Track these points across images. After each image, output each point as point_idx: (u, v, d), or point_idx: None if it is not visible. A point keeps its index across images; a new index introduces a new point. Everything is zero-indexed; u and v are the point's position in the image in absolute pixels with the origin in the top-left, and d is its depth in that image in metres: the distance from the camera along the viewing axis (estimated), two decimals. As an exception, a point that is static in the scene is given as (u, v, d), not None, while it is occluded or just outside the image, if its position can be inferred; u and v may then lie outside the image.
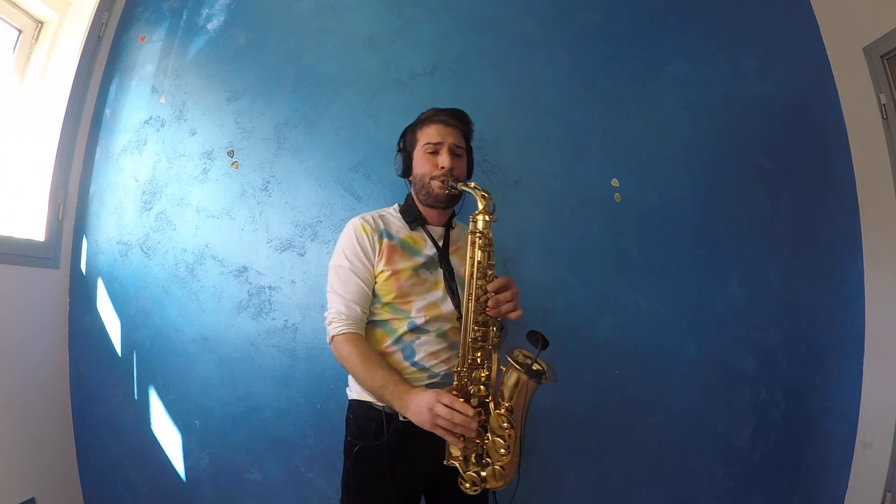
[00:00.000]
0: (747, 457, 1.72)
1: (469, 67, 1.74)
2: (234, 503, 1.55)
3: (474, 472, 1.02)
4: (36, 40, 1.63)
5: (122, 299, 1.62)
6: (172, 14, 1.74)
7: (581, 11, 1.83)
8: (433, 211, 1.24)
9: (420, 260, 1.19)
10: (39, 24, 1.63)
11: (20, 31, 1.58)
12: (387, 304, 1.16)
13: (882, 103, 1.77)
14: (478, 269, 1.05)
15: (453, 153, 1.20)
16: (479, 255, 1.06)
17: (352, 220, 1.22)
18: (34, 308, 1.50)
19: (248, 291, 1.60)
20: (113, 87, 1.72)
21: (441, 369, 1.14)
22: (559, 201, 1.71)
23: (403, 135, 1.30)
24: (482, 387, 1.04)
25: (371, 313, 1.18)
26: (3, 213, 1.54)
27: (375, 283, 1.17)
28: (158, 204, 1.65)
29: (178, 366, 1.58)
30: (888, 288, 1.79)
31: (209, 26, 1.73)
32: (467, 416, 0.97)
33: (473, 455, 1.03)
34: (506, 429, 0.99)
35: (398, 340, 1.15)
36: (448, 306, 1.17)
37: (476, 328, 1.05)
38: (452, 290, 1.18)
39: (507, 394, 1.02)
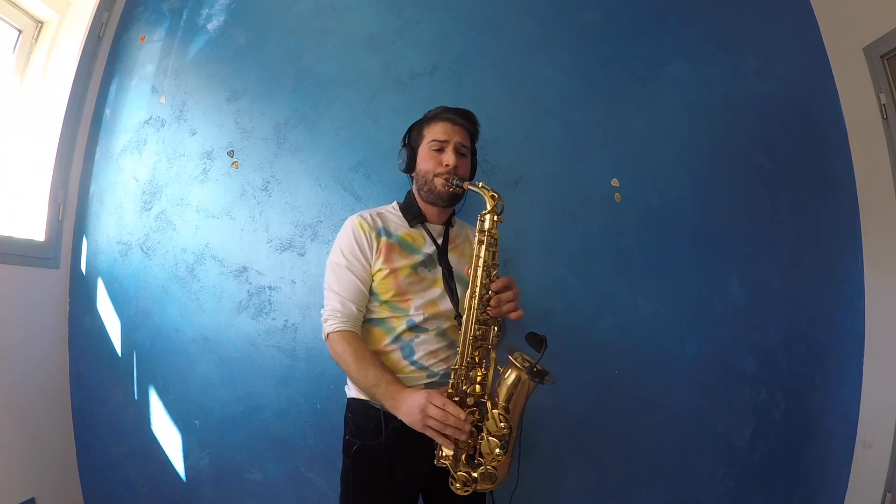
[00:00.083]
0: (747, 457, 1.72)
1: (469, 67, 1.74)
2: (234, 503, 1.55)
3: (465, 471, 1.01)
4: (36, 40, 1.63)
5: (122, 299, 1.62)
6: (172, 14, 1.74)
7: (581, 11, 1.83)
8: (433, 209, 1.24)
9: (419, 258, 1.19)
10: (39, 24, 1.63)
11: (20, 31, 1.58)
12: (385, 302, 1.16)
13: (882, 103, 1.77)
14: (483, 268, 1.05)
15: (458, 152, 1.20)
16: (484, 253, 1.06)
17: (350, 217, 1.22)
18: (34, 308, 1.50)
19: (248, 291, 1.60)
20: (113, 87, 1.72)
21: (440, 368, 1.14)
22: (559, 201, 1.71)
23: (409, 130, 1.31)
24: (478, 386, 1.04)
25: (369, 311, 1.18)
26: (3, 213, 1.54)
27: (373, 281, 1.17)
28: (158, 204, 1.65)
29: (178, 366, 1.58)
30: (888, 288, 1.79)
31: (209, 26, 1.73)
32: (459, 418, 0.97)
33: (464, 455, 1.02)
34: (503, 428, 0.98)
35: (397, 339, 1.15)
36: (446, 304, 1.17)
37: (477, 327, 1.05)
38: (451, 289, 1.18)
39: (505, 393, 1.02)
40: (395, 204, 1.29)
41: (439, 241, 1.22)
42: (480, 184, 1.11)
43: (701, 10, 1.91)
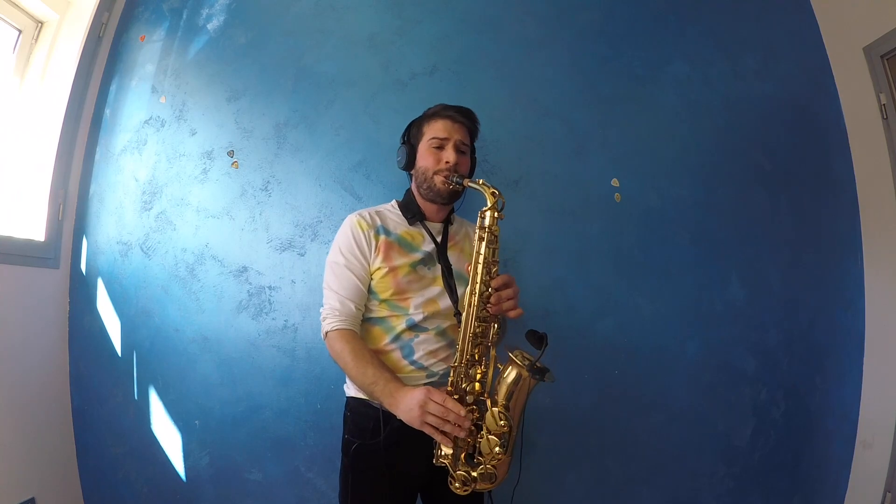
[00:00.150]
0: (747, 457, 1.72)
1: (469, 67, 1.74)
2: (234, 503, 1.55)
3: (464, 471, 1.01)
4: (36, 40, 1.63)
5: (122, 299, 1.62)
6: (172, 14, 1.74)
7: (581, 11, 1.83)
8: (433, 206, 1.24)
9: (418, 256, 1.19)
10: (39, 24, 1.63)
11: (20, 31, 1.58)
12: (384, 300, 1.16)
13: (882, 103, 1.77)
14: (483, 265, 1.06)
15: (458, 150, 1.20)
16: (485, 250, 1.06)
17: (349, 216, 1.22)
18: (34, 308, 1.50)
19: (248, 291, 1.60)
20: (113, 87, 1.72)
21: (440, 368, 1.14)
22: (559, 201, 1.71)
23: (409, 128, 1.31)
24: (477, 384, 1.04)
25: (369, 310, 1.18)
26: (3, 213, 1.54)
27: (372, 279, 1.17)
28: (158, 204, 1.65)
29: (178, 366, 1.58)
30: (888, 288, 1.79)
31: (209, 26, 1.73)
32: (459, 415, 0.97)
33: (463, 454, 1.02)
34: (502, 426, 0.98)
35: (397, 338, 1.15)
36: (446, 302, 1.17)
37: (477, 323, 1.05)
38: (451, 287, 1.18)
39: (505, 391, 1.02)
40: (394, 202, 1.29)
41: (438, 239, 1.22)
42: (480, 181, 1.11)
43: (701, 11, 1.91)
